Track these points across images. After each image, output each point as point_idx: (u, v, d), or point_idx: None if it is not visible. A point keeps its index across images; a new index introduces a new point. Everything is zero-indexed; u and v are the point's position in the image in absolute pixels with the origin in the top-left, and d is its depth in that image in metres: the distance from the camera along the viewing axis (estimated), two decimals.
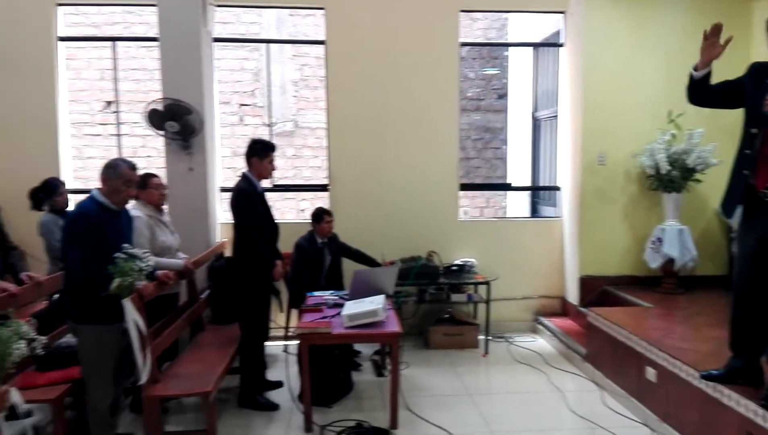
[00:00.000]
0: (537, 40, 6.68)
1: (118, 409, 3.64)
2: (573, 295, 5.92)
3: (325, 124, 5.94)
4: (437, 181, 5.91)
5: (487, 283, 5.36)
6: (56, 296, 4.21)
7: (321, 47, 5.80)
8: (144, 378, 3.34)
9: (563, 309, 6.13)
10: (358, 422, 3.88)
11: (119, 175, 3.20)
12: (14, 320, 2.41)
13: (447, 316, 5.74)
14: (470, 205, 8.59)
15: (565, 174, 6.10)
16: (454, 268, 5.58)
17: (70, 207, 4.73)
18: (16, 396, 2.22)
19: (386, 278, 4.49)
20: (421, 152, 5.87)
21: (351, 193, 5.82)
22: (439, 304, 5.60)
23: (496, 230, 6.13)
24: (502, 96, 8.74)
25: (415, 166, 5.87)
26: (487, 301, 5.37)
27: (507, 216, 7.81)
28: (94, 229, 3.10)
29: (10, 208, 4.23)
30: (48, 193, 4.67)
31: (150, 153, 7.37)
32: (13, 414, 2.52)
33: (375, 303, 3.95)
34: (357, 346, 5.23)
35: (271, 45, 7.60)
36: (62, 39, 5.56)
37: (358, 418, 3.96)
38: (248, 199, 3.99)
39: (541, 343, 5.74)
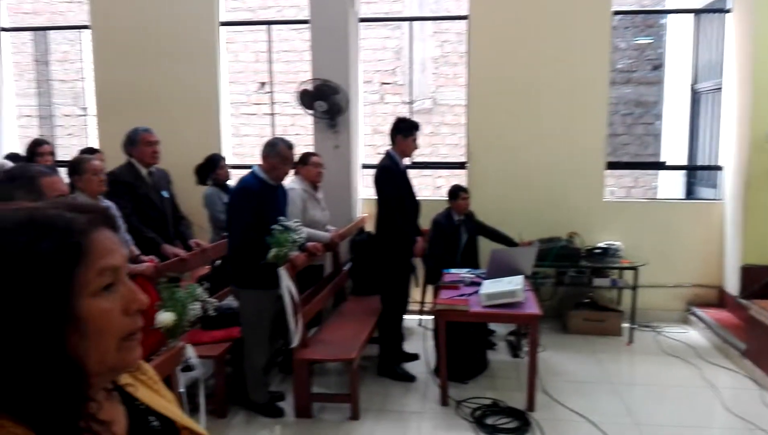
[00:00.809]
0: (699, 5, 6.08)
1: (271, 368, 3.97)
2: (733, 286, 5.41)
3: (464, 101, 5.90)
4: (582, 158, 5.65)
5: (634, 268, 5.07)
6: (218, 262, 4.65)
7: (463, 23, 5.73)
8: (295, 342, 3.60)
9: (720, 300, 5.64)
10: (494, 401, 3.89)
11: (278, 153, 3.44)
12: (190, 283, 2.71)
13: (587, 300, 5.52)
14: (616, 184, 8.13)
15: (728, 152, 5.55)
16: (598, 250, 5.34)
17: (232, 181, 5.15)
18: (190, 351, 2.50)
19: (525, 258, 4.41)
20: (566, 128, 5.63)
21: (489, 171, 5.74)
22: (579, 287, 5.40)
23: (645, 212, 5.75)
24: (657, 67, 8.10)
25: (559, 143, 5.65)
26: (634, 287, 5.08)
27: (658, 197, 7.28)
28: (255, 203, 3.37)
29: (178, 182, 4.70)
30: (210, 168, 5.13)
31: (299, 131, 7.80)
32: (186, 367, 2.85)
33: (514, 283, 3.91)
34: (491, 326, 5.21)
35: (413, 22, 7.65)
36: (223, 24, 6.01)
37: (493, 396, 3.97)
38: (391, 177, 4.10)
39: (693, 335, 5.34)
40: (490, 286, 3.93)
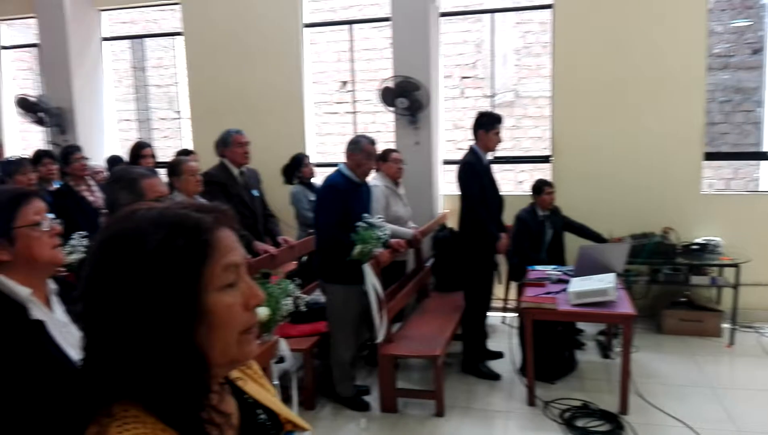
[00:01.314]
0: None
1: (356, 362, 4.04)
2: None
3: (548, 93, 5.73)
4: (677, 149, 5.36)
5: (735, 265, 4.76)
6: (304, 258, 4.78)
7: (547, 12, 5.58)
8: (381, 337, 3.64)
9: None
10: (584, 403, 3.78)
11: (362, 149, 3.49)
12: (280, 279, 2.80)
13: (684, 299, 5.24)
14: (715, 176, 7.64)
15: None
16: (695, 247, 5.05)
17: (316, 179, 5.27)
18: (283, 345, 2.59)
19: (615, 255, 4.24)
20: (659, 118, 5.36)
21: (576, 164, 5.56)
22: (674, 285, 5.12)
23: (747, 205, 5.38)
24: (757, 51, 7.53)
25: (651, 134, 5.38)
26: (735, 286, 4.76)
27: (760, 189, 6.79)
28: (341, 200, 3.44)
29: (267, 181, 4.87)
30: (296, 166, 5.27)
31: (379, 128, 7.87)
32: (278, 359, 2.95)
33: (605, 281, 3.77)
34: (580, 325, 5.05)
35: (494, 14, 7.51)
36: (307, 26, 6.15)
37: (583, 398, 3.84)
38: (474, 172, 4.06)
39: None
40: (579, 284, 3.81)
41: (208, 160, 4.85)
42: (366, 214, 3.53)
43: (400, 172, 4.55)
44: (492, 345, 4.73)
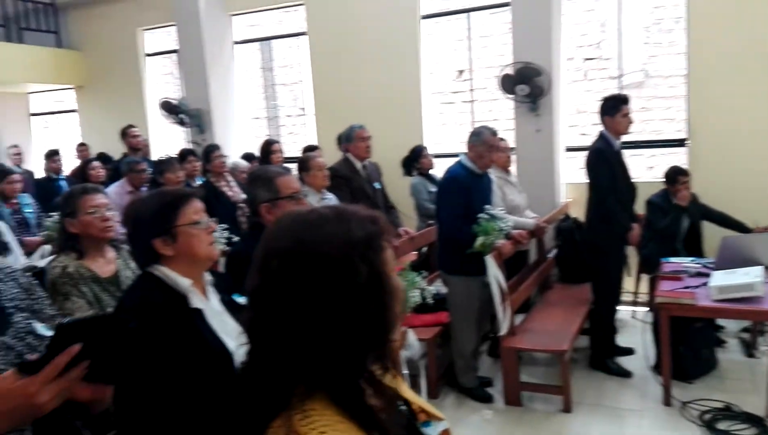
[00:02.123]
0: None
1: (478, 353, 4.04)
2: None
3: (682, 71, 5.33)
4: None
5: None
6: (424, 249, 4.83)
7: None
8: (504, 329, 3.61)
9: None
10: (726, 404, 3.51)
11: (483, 141, 3.47)
12: (405, 270, 2.86)
13: None
14: None
15: None
16: None
17: (435, 170, 5.30)
18: (411, 336, 2.65)
19: (763, 246, 3.88)
20: None
21: (715, 147, 5.12)
22: None
23: None
24: None
25: None
26: None
27: None
28: (462, 191, 3.45)
29: (387, 173, 4.97)
30: (414, 158, 5.34)
31: (497, 117, 7.73)
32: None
33: (751, 275, 3.47)
34: (720, 321, 4.67)
35: None
36: (425, 17, 6.18)
37: (724, 399, 3.57)
38: (604, 159, 3.86)
39: None
40: (721, 278, 3.53)
41: (331, 155, 5.04)
42: (488, 206, 3.51)
43: (509, 161, 4.47)
44: (621, 341, 4.51)
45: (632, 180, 4.07)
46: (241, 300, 1.74)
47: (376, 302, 0.86)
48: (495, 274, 3.52)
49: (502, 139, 4.50)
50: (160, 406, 1.48)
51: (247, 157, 6.12)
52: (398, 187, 5.31)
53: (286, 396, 0.84)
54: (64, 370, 0.91)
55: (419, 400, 1.07)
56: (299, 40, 7.06)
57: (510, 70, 5.20)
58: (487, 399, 3.82)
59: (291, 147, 7.05)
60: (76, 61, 8.24)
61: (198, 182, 5.09)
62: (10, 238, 3.68)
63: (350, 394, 0.85)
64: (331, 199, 3.76)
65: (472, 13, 6.49)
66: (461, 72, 8.09)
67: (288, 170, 2.46)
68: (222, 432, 0.91)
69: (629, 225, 3.95)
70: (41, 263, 3.33)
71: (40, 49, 7.89)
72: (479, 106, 7.67)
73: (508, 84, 5.22)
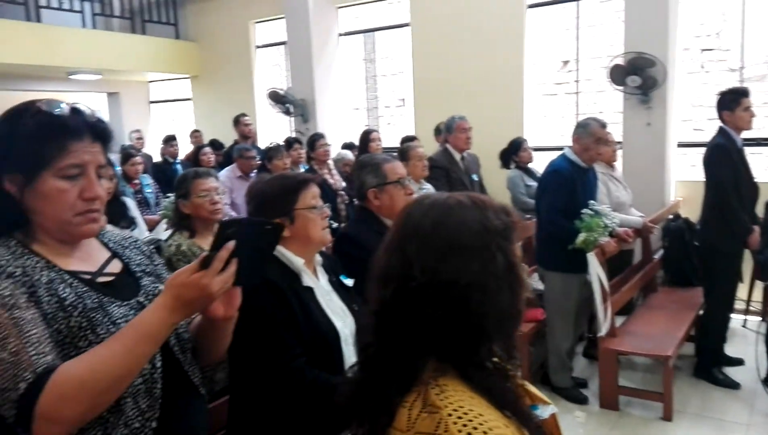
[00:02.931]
0: None
1: (573, 352, 3.94)
2: None
3: None
4: None
5: None
6: (518, 244, 4.75)
7: None
8: (604, 330, 3.50)
9: None
10: None
11: (590, 133, 3.36)
12: None
13: None
14: None
15: None
16: None
17: (534, 164, 5.20)
18: None
19: None
20: None
21: None
22: None
23: None
24: None
25: None
26: None
27: None
28: (565, 185, 3.36)
29: (484, 165, 4.93)
30: (513, 151, 5.25)
31: (602, 109, 7.42)
32: None
33: None
34: None
35: None
36: (531, 6, 6.05)
37: None
38: (725, 155, 3.60)
39: None
40: None
41: (428, 146, 5.07)
42: (592, 201, 3.40)
43: (615, 155, 4.28)
44: (730, 350, 4.23)
45: (754, 179, 3.78)
46: (348, 281, 1.82)
47: (508, 291, 0.89)
48: (597, 272, 3.40)
49: (608, 133, 4.34)
50: (274, 369, 1.58)
51: (348, 146, 6.27)
52: (495, 180, 5.25)
53: (418, 372, 0.88)
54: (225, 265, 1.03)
55: (528, 385, 1.09)
56: (402, 32, 7.12)
57: (621, 61, 4.98)
58: (581, 400, 3.72)
59: (389, 137, 7.14)
60: (193, 52, 8.77)
61: (302, 169, 5.29)
62: (136, 213, 4.02)
63: (480, 373, 0.88)
64: (429, 189, 3.79)
65: (581, 2, 6.26)
66: (566, 62, 7.84)
67: (394, 157, 2.52)
68: (347, 403, 0.95)
69: (750, 227, 3.68)
70: (163, 237, 3.65)
71: (161, 41, 8.47)
72: (584, 98, 7.40)
73: (618, 75, 5.00)
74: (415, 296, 0.88)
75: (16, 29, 6.77)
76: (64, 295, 1.05)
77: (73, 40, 7.30)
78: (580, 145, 3.41)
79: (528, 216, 4.57)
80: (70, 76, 8.13)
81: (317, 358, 1.62)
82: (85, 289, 1.09)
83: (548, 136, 6.90)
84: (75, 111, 1.10)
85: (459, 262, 0.87)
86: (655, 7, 4.95)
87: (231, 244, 1.03)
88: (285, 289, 1.62)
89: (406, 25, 6.85)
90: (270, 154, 4.83)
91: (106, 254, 1.21)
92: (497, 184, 5.23)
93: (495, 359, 0.94)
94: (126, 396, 1.05)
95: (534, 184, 4.89)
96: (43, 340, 0.99)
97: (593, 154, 3.40)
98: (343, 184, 5.23)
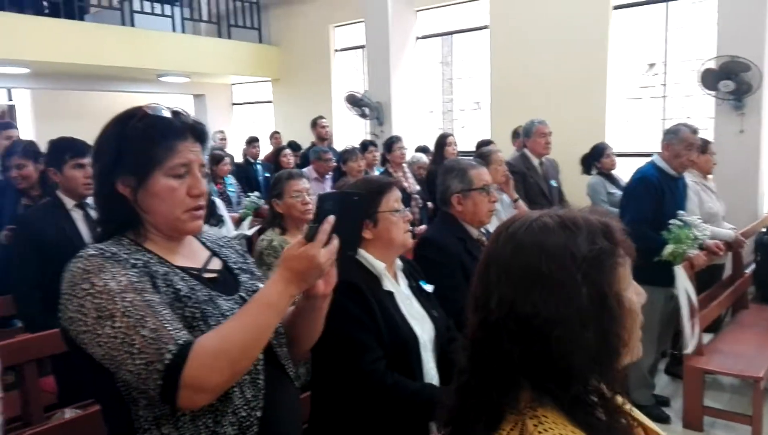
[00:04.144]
0: None
1: (655, 369, 3.78)
2: None
3: None
4: None
5: None
6: None
7: None
8: (690, 348, 3.33)
9: None
10: None
11: (681, 139, 3.22)
12: None
13: None
14: None
15: None
16: None
17: (617, 171, 5.02)
18: None
19: None
20: None
21: None
22: None
23: None
24: None
25: None
26: None
27: None
28: (653, 194, 3.23)
29: (564, 170, 4.80)
30: (595, 157, 5.07)
31: (690, 114, 7.07)
32: None
33: None
34: None
35: None
36: (617, 7, 5.85)
37: None
38: None
39: None
40: None
41: (504, 150, 4.98)
42: (681, 211, 3.24)
43: (711, 165, 4.06)
44: None
45: None
46: (428, 287, 1.82)
47: (597, 327, 0.80)
48: (685, 286, 3.24)
49: (708, 142, 4.13)
50: (354, 371, 1.61)
51: (422, 149, 6.28)
52: (575, 186, 5.10)
53: (512, 401, 0.83)
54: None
55: (647, 421, 0.99)
56: (480, 34, 7.06)
57: (713, 64, 4.74)
58: (662, 419, 3.56)
59: (464, 141, 7.10)
60: (274, 55, 9.05)
61: (376, 172, 5.34)
62: (224, 211, 4.21)
63: (580, 408, 0.81)
64: (504, 195, 3.75)
65: (671, 2, 6.00)
66: (652, 65, 7.52)
67: (481, 164, 2.50)
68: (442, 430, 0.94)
69: None
70: (249, 233, 3.84)
71: (245, 45, 8.79)
72: (671, 103, 7.08)
73: (709, 79, 4.76)
74: (495, 329, 0.83)
75: (112, 33, 7.21)
76: (179, 286, 1.12)
77: (163, 44, 7.69)
78: (670, 151, 3.27)
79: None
80: (159, 78, 8.57)
81: (396, 362, 1.63)
82: (195, 282, 1.16)
83: (631, 141, 6.65)
84: (176, 114, 1.17)
85: (537, 295, 0.80)
86: (751, 8, 4.68)
87: (331, 218, 1.08)
88: (366, 293, 1.64)
89: (485, 27, 6.79)
90: (345, 156, 4.91)
91: (207, 253, 1.28)
92: (577, 191, 5.08)
93: (600, 390, 0.85)
94: (233, 386, 1.10)
95: (616, 191, 4.72)
96: (176, 319, 1.06)
97: (684, 161, 3.25)
98: (417, 187, 5.24)
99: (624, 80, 6.83)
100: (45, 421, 2.14)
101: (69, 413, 1.95)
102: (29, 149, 3.23)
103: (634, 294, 0.87)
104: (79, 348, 1.07)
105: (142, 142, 1.12)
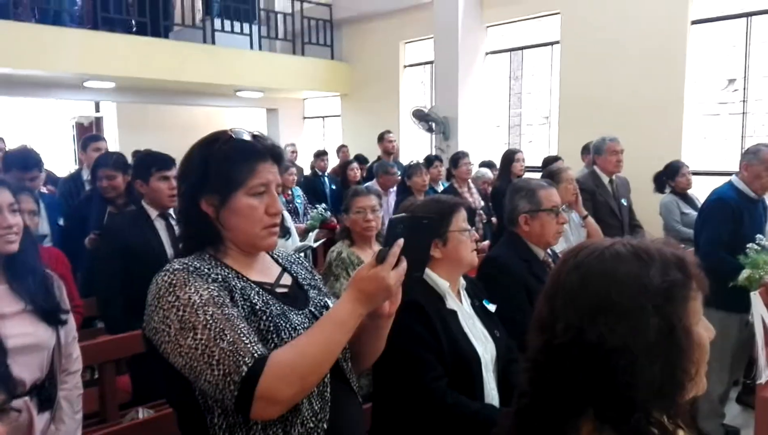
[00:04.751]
0: None
1: (726, 398, 3.61)
2: None
3: None
4: None
5: None
6: None
7: None
8: (764, 377, 3.16)
9: None
10: None
11: (762, 160, 3.09)
12: None
13: None
14: None
15: None
16: None
17: (693, 190, 4.84)
18: None
19: None
20: None
21: None
22: None
23: None
24: None
25: None
26: None
27: None
28: (730, 216, 3.11)
29: (635, 188, 4.66)
30: (670, 175, 4.91)
31: None
32: None
33: None
34: None
35: None
36: (695, 22, 5.67)
37: None
38: None
39: None
40: None
41: (572, 166, 4.90)
42: (760, 235, 3.10)
43: None
44: None
45: None
46: (491, 307, 1.84)
47: (664, 361, 0.79)
48: (761, 312, 3.08)
49: None
50: (415, 387, 1.64)
51: (486, 164, 6.26)
52: (646, 204, 4.94)
53: (573, 429, 0.83)
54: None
55: None
56: (550, 49, 6.99)
57: None
58: None
59: (530, 156, 7.03)
60: (345, 71, 9.27)
61: (441, 187, 5.37)
62: (290, 223, 4.33)
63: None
64: (573, 213, 3.69)
65: (753, 17, 5.76)
66: (732, 81, 7.21)
67: (550, 184, 2.48)
68: None
69: None
70: (314, 245, 3.95)
71: (317, 61, 9.05)
72: (751, 120, 6.76)
73: None
74: (559, 354, 0.82)
75: (194, 51, 7.60)
76: (255, 301, 1.19)
77: (241, 61, 8.03)
78: (749, 172, 3.13)
79: (682, 246, 4.25)
80: (236, 93, 8.94)
81: (458, 381, 1.65)
82: (269, 297, 1.23)
83: (708, 159, 6.38)
84: (255, 137, 1.26)
85: (604, 324, 0.79)
86: None
87: (401, 241, 1.11)
88: (430, 311, 1.67)
89: (556, 42, 6.72)
90: (410, 171, 4.97)
91: (278, 268, 1.35)
92: (648, 210, 4.93)
93: (661, 422, 0.83)
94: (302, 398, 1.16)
95: (691, 212, 4.55)
96: (252, 332, 1.13)
97: (765, 183, 3.11)
98: (482, 202, 5.23)
99: (702, 96, 6.58)
100: (119, 419, 2.25)
101: (142, 413, 2.06)
102: (119, 161, 3.41)
103: (704, 329, 0.86)
104: (161, 357, 1.14)
105: (227, 164, 1.20)
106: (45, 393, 1.67)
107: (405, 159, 6.75)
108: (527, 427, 0.87)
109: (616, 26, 6.02)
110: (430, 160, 5.59)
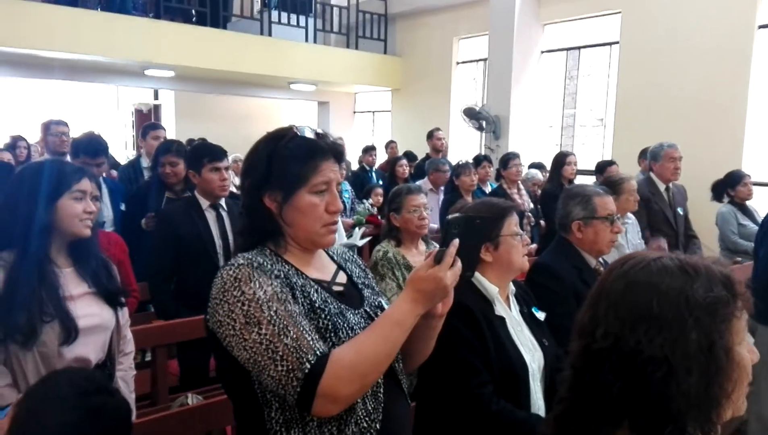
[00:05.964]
0: None
1: None
2: None
3: None
4: None
5: None
6: None
7: None
8: None
9: None
10: None
11: None
12: None
13: None
14: None
15: None
16: None
17: (754, 201, 4.65)
18: None
19: None
20: None
21: None
22: None
23: None
24: None
25: None
26: None
27: None
28: None
29: (692, 197, 4.52)
30: (729, 184, 4.73)
31: None
32: None
33: None
34: None
35: None
36: (762, 26, 5.43)
37: None
38: None
39: None
40: None
41: (626, 170, 4.78)
42: None
43: None
44: None
45: None
46: (540, 315, 1.82)
47: (701, 376, 0.79)
48: None
49: None
50: (460, 392, 1.64)
51: (536, 165, 6.16)
52: (703, 214, 4.78)
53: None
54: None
55: None
56: (609, 49, 6.82)
57: None
58: None
59: (583, 158, 6.89)
60: (397, 66, 9.27)
61: (489, 187, 5.32)
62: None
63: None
64: (631, 221, 3.60)
65: None
66: None
67: (606, 192, 2.43)
68: None
69: None
70: (360, 243, 3.94)
71: (370, 55, 9.07)
72: None
73: None
74: (597, 359, 0.84)
75: (251, 42, 7.74)
76: (314, 298, 1.21)
77: (296, 53, 8.13)
78: None
79: (739, 259, 4.11)
80: (290, 86, 9.06)
81: (504, 389, 1.64)
82: (327, 295, 1.25)
83: None
84: (319, 135, 1.27)
85: (643, 333, 0.80)
86: None
87: (456, 242, 1.13)
88: (478, 316, 1.67)
89: (615, 42, 6.55)
90: (458, 170, 4.93)
91: (334, 266, 1.37)
92: (705, 219, 4.76)
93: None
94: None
95: (749, 223, 4.39)
96: (313, 329, 1.15)
97: None
98: (531, 205, 5.15)
99: (766, 103, 6.31)
100: (169, 402, 2.33)
101: (192, 399, 2.09)
102: (181, 148, 3.48)
103: (747, 351, 0.84)
104: (224, 349, 1.16)
105: (291, 161, 1.22)
106: (106, 372, 1.75)
107: (454, 157, 6.70)
108: (563, 433, 0.89)
109: (679, 28, 5.82)
110: (478, 160, 5.53)
